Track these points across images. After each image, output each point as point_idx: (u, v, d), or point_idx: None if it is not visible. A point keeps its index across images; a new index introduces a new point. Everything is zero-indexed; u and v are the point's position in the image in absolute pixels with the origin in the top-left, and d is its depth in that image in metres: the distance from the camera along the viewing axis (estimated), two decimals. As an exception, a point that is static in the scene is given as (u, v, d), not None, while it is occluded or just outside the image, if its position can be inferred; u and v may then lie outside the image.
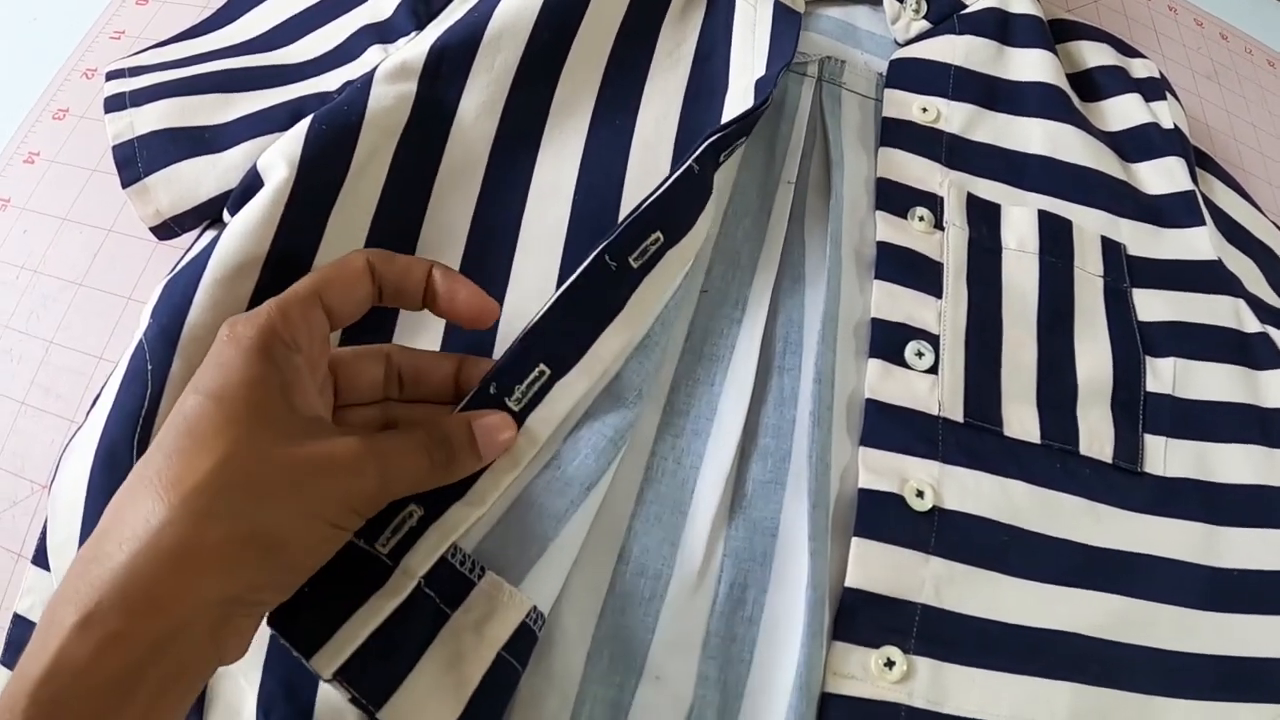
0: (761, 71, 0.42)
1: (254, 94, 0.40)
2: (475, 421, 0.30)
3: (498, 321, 0.35)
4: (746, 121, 0.39)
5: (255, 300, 0.33)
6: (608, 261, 0.34)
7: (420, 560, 0.28)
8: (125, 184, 0.37)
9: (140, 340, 0.32)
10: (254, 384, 0.25)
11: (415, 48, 0.39)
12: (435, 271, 0.30)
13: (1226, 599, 0.37)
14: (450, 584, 0.29)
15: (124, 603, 0.22)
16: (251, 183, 0.36)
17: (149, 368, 0.31)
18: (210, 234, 0.38)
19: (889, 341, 0.38)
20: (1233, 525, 0.39)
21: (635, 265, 0.34)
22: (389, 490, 0.27)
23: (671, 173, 0.36)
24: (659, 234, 0.35)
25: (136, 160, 0.38)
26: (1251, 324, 0.43)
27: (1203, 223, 0.45)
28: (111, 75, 0.41)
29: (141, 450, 0.31)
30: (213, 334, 0.28)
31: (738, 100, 0.41)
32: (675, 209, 0.36)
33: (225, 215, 0.37)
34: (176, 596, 0.23)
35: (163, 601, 0.23)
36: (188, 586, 0.23)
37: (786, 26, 0.43)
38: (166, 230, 0.38)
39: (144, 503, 0.23)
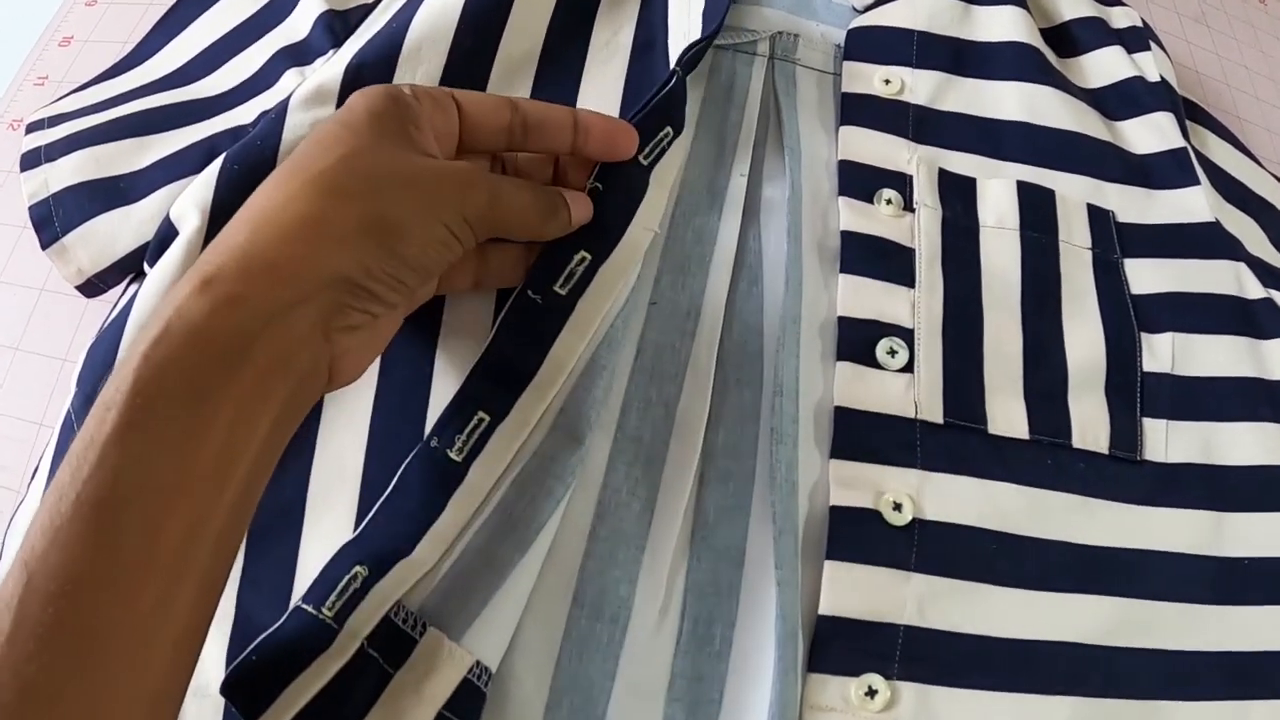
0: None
1: (168, 134, 0.39)
2: (569, 193, 0.32)
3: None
4: (666, 103, 0.36)
5: None
6: (531, 296, 0.32)
7: (363, 620, 0.27)
8: (44, 245, 0.37)
9: (68, 409, 0.32)
10: (378, 115, 0.27)
11: (331, 68, 0.37)
12: (579, 113, 0.32)
13: (1236, 591, 0.35)
14: (393, 643, 0.28)
15: (244, 267, 0.23)
16: (166, 233, 0.34)
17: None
18: (134, 288, 0.37)
19: (858, 341, 0.35)
20: (1242, 510, 0.36)
21: (563, 292, 0.32)
22: (497, 210, 0.29)
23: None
24: (584, 253, 0.32)
25: (53, 219, 0.37)
26: (1254, 289, 0.40)
27: (1197, 181, 0.42)
28: (32, 127, 0.40)
29: None
30: None
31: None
32: (598, 221, 0.33)
33: (146, 267, 0.35)
34: (294, 265, 0.24)
35: (281, 268, 0.24)
36: (306, 257, 0.24)
37: (715, 6, 0.40)
38: (92, 288, 0.37)
39: (271, 189, 0.25)
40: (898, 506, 0.33)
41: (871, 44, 0.42)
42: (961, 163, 0.40)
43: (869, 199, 0.38)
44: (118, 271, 0.37)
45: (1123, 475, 0.36)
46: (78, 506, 0.20)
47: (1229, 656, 0.34)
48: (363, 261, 0.25)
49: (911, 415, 0.34)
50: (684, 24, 0.40)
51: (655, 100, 0.35)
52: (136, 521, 0.21)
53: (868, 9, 0.44)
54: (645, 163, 0.35)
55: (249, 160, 0.35)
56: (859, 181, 0.39)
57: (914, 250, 0.37)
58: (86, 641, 0.20)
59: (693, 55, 0.37)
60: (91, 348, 0.33)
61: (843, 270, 0.37)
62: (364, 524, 0.29)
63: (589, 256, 0.32)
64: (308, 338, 0.24)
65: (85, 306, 0.39)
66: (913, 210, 0.38)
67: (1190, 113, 0.46)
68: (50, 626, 0.19)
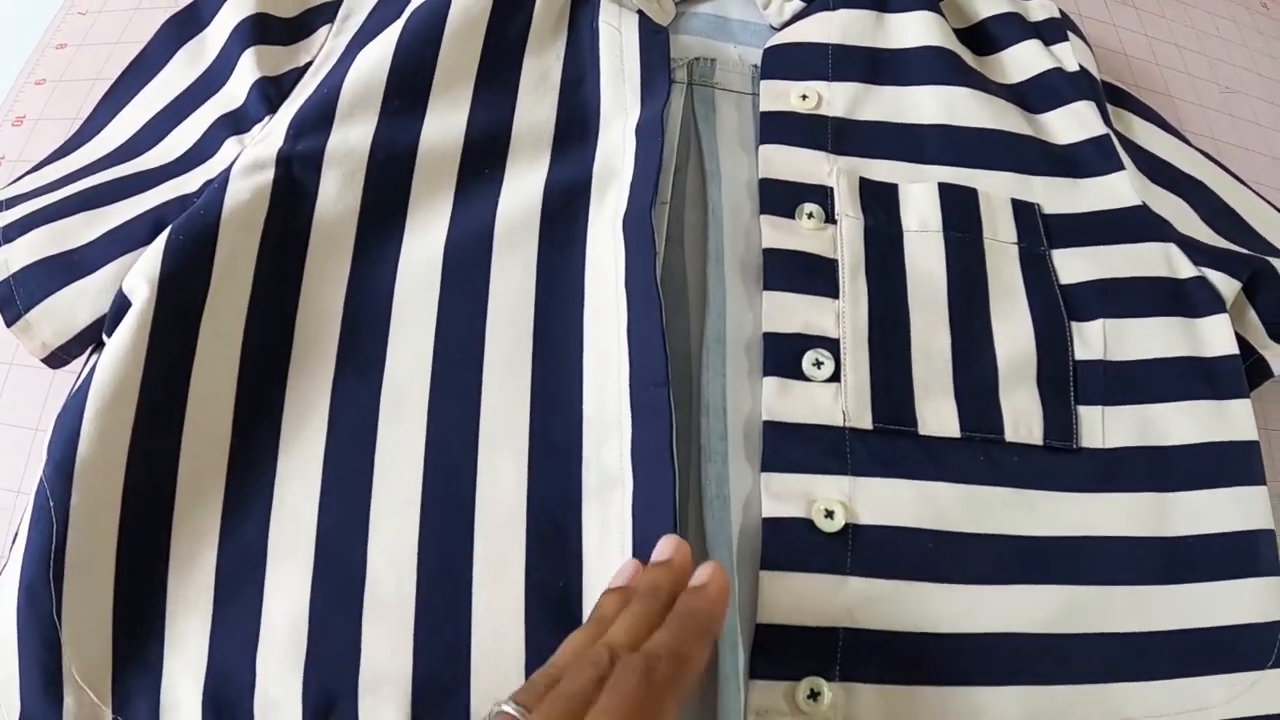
0: (637, 109, 0.40)
1: (117, 206, 0.40)
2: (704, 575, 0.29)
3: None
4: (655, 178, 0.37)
5: (139, 422, 0.33)
6: None
7: None
8: (8, 323, 0.38)
9: (41, 478, 0.33)
10: None
11: (269, 136, 0.38)
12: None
13: (1183, 570, 0.35)
14: None
15: None
16: (121, 305, 0.36)
17: (50, 504, 0.32)
18: (95, 358, 0.38)
19: (784, 355, 0.36)
20: (1183, 490, 0.37)
21: None
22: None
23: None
24: None
25: (15, 298, 0.38)
26: (1185, 269, 0.41)
27: (1121, 167, 0.42)
28: None
29: (58, 586, 0.31)
30: (104, 465, 0.30)
31: (615, 140, 0.40)
32: None
33: (105, 338, 0.37)
34: None
35: None
36: None
37: (656, 53, 0.41)
38: (57, 359, 0.38)
39: None
40: (830, 514, 0.34)
41: (787, 61, 0.43)
42: (883, 170, 0.41)
43: (790, 214, 0.39)
44: (80, 343, 0.38)
45: (1060, 465, 0.36)
46: None
47: (1181, 634, 0.34)
48: None
49: (840, 423, 0.35)
50: (619, 84, 0.41)
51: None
52: None
53: (784, 26, 0.45)
54: None
55: (193, 230, 0.36)
56: (780, 198, 0.39)
57: (837, 261, 0.38)
58: None
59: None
60: (59, 417, 0.34)
61: (766, 287, 0.37)
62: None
63: None
64: None
65: (53, 377, 0.40)
66: (835, 222, 0.39)
67: (1115, 98, 0.47)
68: None
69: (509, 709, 0.27)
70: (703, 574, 0.29)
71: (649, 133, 0.39)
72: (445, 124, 0.40)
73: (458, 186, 0.39)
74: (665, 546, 0.30)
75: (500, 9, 0.42)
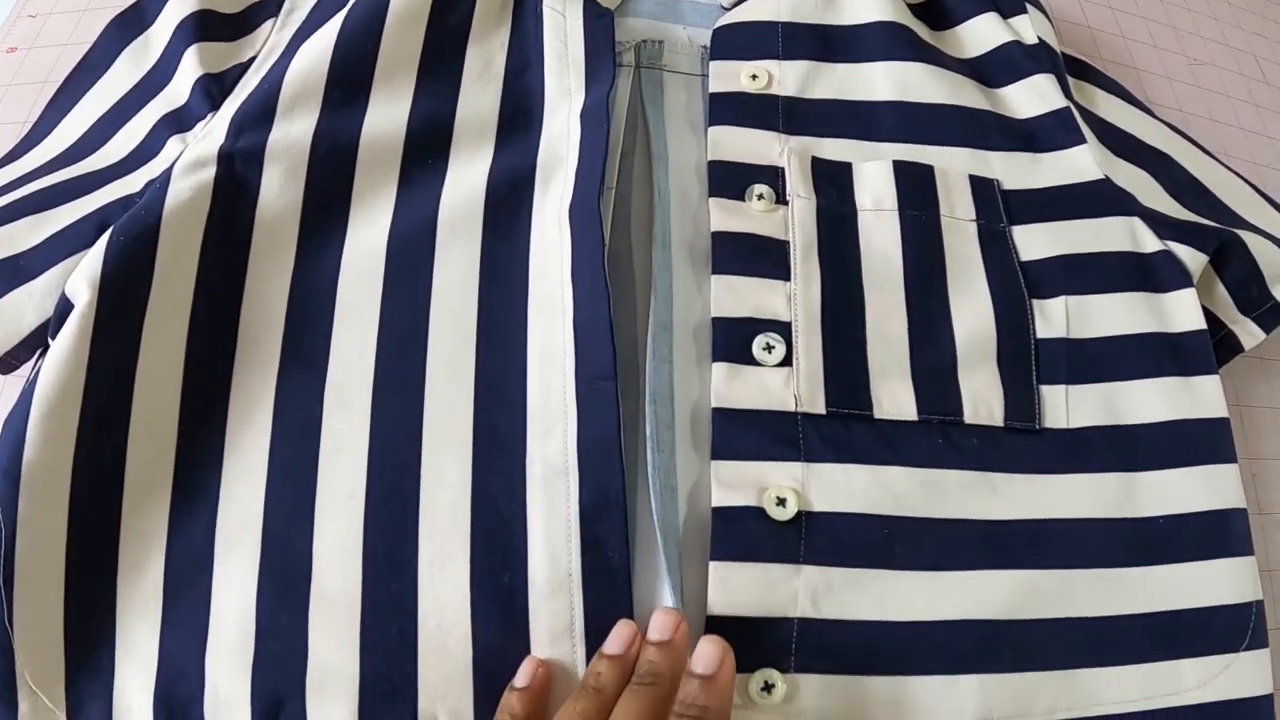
0: (581, 94, 0.39)
1: (61, 209, 0.39)
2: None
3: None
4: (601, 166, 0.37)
5: (84, 425, 0.32)
6: None
7: None
8: None
9: None
10: None
11: (210, 134, 0.38)
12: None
13: (1151, 551, 0.34)
14: None
15: None
16: (64, 308, 0.35)
17: None
18: (42, 363, 0.38)
19: (733, 339, 0.35)
20: (1151, 469, 0.36)
21: None
22: None
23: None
24: None
25: None
26: (1150, 243, 0.40)
27: (1083, 140, 0.41)
28: None
29: (8, 592, 0.31)
30: (50, 470, 0.31)
31: (559, 127, 0.39)
32: None
33: (50, 341, 0.36)
34: None
35: None
36: None
37: (601, 37, 0.40)
38: (5, 365, 0.38)
39: None
40: (781, 501, 0.33)
41: (737, 41, 0.42)
42: (836, 149, 0.40)
43: (740, 196, 0.38)
44: (27, 348, 0.37)
45: (1023, 446, 0.35)
46: None
47: (1153, 617, 0.33)
48: None
49: (792, 408, 0.34)
50: (563, 69, 0.40)
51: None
52: None
53: (734, 6, 0.44)
54: None
55: (134, 230, 0.35)
56: (729, 180, 0.38)
57: (788, 243, 0.37)
58: None
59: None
60: (6, 422, 0.33)
61: (715, 271, 0.36)
62: None
63: None
64: None
65: (2, 383, 0.40)
66: (786, 203, 0.38)
67: (1078, 71, 0.46)
68: None
69: None
70: (711, 661, 0.29)
71: (594, 119, 0.38)
72: (388, 115, 0.39)
73: (400, 178, 0.38)
74: (664, 624, 0.30)
75: None
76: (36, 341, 0.37)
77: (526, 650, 0.30)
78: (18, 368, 0.38)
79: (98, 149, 0.43)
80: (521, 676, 0.30)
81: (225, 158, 0.37)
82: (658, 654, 0.29)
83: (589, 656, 0.30)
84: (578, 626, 0.30)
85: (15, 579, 0.30)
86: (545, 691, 0.30)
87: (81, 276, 0.34)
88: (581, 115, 0.39)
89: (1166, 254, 0.39)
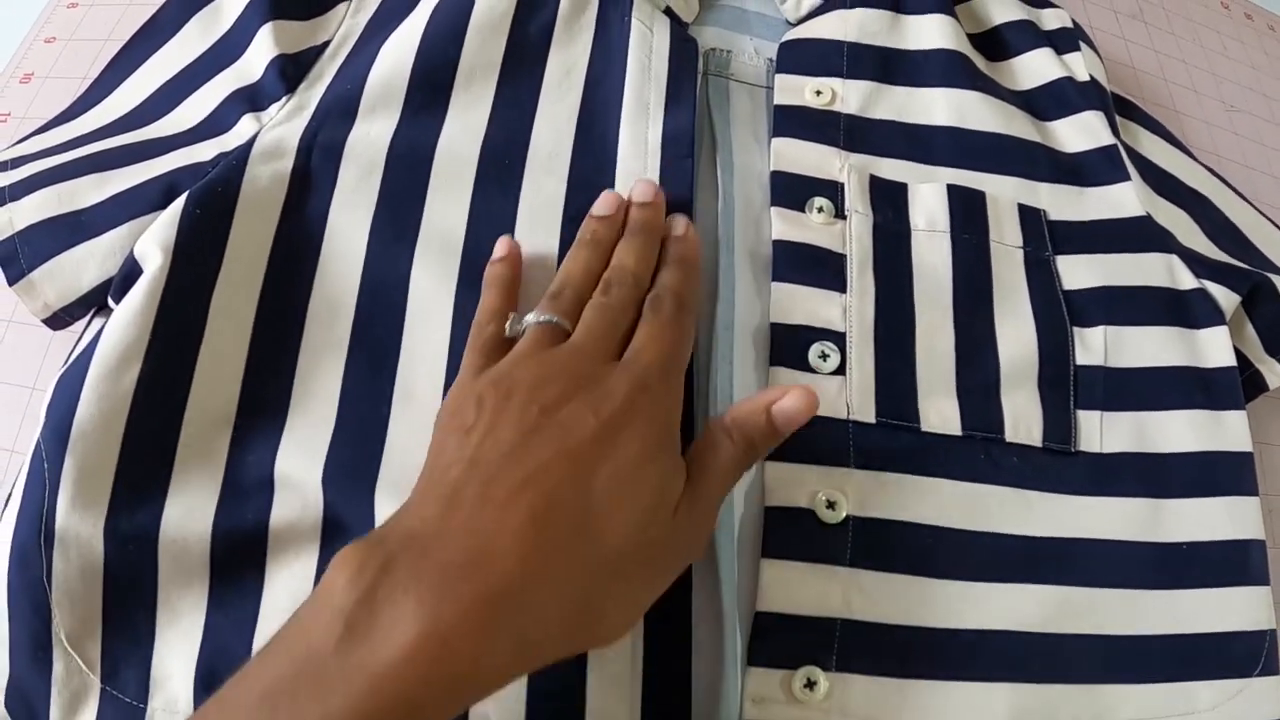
0: (660, 112, 0.40)
1: (127, 169, 0.39)
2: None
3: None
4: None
5: (139, 390, 0.33)
6: None
7: None
8: (11, 282, 0.37)
9: (38, 439, 0.32)
10: None
11: (289, 120, 0.38)
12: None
13: (1175, 575, 0.36)
14: None
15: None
16: (131, 270, 0.35)
17: (45, 467, 0.32)
18: (99, 322, 0.38)
19: (790, 346, 0.36)
20: (1178, 497, 0.37)
21: None
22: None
23: None
24: None
25: (19, 256, 0.37)
26: (1186, 280, 0.41)
27: (1127, 177, 0.43)
28: None
29: (48, 549, 0.31)
30: (101, 431, 0.31)
31: (635, 142, 0.39)
32: None
33: (110, 302, 0.36)
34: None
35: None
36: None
37: (686, 60, 0.41)
38: (58, 321, 0.38)
39: None
40: (832, 505, 0.34)
41: (803, 57, 0.43)
42: (893, 169, 0.41)
43: (801, 208, 0.39)
44: (83, 305, 0.38)
45: (1058, 467, 0.37)
46: None
47: (1172, 639, 0.35)
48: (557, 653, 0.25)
49: (844, 416, 0.35)
50: (644, 83, 0.41)
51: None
52: None
53: (800, 22, 0.45)
54: None
55: (211, 205, 0.35)
56: (791, 191, 0.40)
57: (845, 256, 0.38)
58: None
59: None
60: (60, 379, 0.33)
61: (775, 278, 0.37)
62: None
63: None
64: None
65: (51, 336, 0.40)
66: (844, 217, 0.39)
67: (1123, 109, 0.47)
68: None
69: (549, 318, 0.28)
70: (679, 225, 0.35)
71: (678, 148, 0.39)
72: (466, 122, 0.39)
73: (475, 184, 0.39)
74: (645, 189, 0.35)
75: (525, 3, 0.42)
76: (93, 300, 0.38)
77: None
78: (70, 324, 0.39)
79: (163, 115, 0.43)
80: (602, 206, 0.36)
81: (304, 149, 0.38)
82: (645, 212, 0.34)
83: None
84: None
85: (56, 536, 0.31)
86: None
87: (154, 239, 0.35)
88: (664, 141, 0.39)
89: (1202, 292, 0.41)
